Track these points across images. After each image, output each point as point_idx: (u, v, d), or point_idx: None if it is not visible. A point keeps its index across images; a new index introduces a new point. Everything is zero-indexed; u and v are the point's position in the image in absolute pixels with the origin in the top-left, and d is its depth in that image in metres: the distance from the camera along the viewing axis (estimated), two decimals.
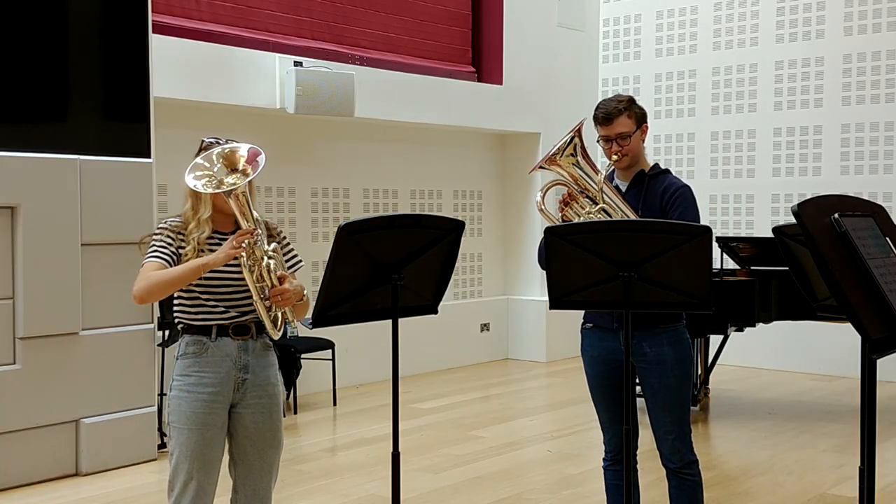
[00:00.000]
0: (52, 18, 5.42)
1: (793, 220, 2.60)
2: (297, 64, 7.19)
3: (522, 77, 9.26)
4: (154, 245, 3.12)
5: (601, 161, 3.61)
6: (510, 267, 9.73)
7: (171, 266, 3.06)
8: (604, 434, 3.67)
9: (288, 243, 3.29)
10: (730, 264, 7.35)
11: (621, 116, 3.51)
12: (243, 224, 3.05)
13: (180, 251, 3.10)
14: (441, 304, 3.29)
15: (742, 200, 9.13)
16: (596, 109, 3.57)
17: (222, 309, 3.12)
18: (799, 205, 2.59)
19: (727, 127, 9.23)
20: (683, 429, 3.50)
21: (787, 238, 2.87)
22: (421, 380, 8.37)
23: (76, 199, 5.44)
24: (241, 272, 3.08)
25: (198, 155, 3.15)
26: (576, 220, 3.42)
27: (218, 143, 3.16)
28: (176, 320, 3.19)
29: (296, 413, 7.08)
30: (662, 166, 3.68)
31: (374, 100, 7.82)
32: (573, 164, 3.48)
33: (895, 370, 7.16)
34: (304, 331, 7.40)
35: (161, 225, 3.18)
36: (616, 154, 3.51)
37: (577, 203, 3.46)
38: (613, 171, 3.63)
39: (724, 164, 9.22)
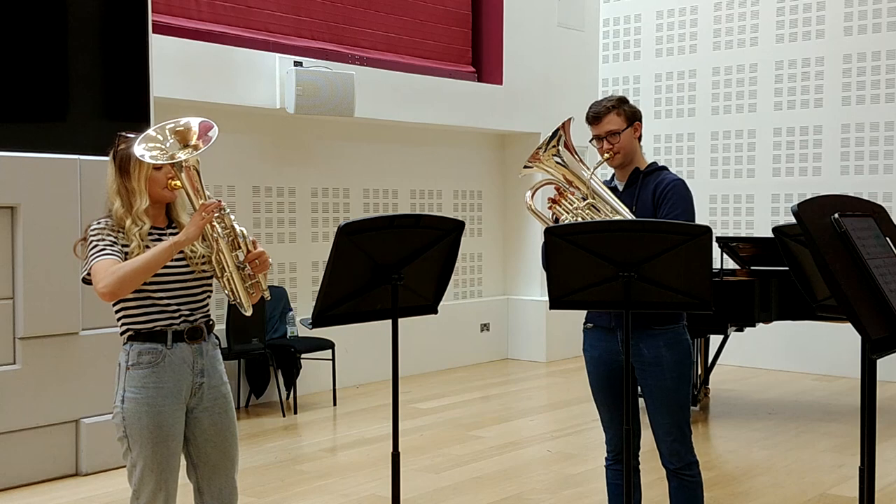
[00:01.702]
0: (52, 18, 5.42)
1: (793, 220, 2.60)
2: (297, 64, 7.19)
3: (522, 77, 9.26)
4: (98, 245, 2.95)
5: (596, 161, 3.60)
6: (510, 267, 9.73)
7: (123, 261, 2.91)
8: (605, 433, 3.67)
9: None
10: (730, 264, 7.35)
11: (610, 114, 3.53)
12: (196, 202, 2.96)
13: (125, 249, 2.96)
14: (441, 304, 3.29)
15: (742, 200, 9.13)
16: (588, 110, 3.60)
17: (175, 307, 3.01)
18: (799, 205, 2.59)
19: (727, 127, 9.23)
20: (683, 430, 3.50)
21: (787, 238, 2.87)
22: (421, 380, 8.37)
23: (76, 199, 5.44)
24: (187, 263, 3.01)
25: (115, 151, 3.03)
26: (564, 217, 3.42)
27: (128, 137, 3.04)
28: (122, 326, 3.05)
29: (296, 413, 7.08)
30: (661, 164, 3.67)
31: (374, 100, 7.82)
32: (556, 156, 3.48)
33: (895, 370, 7.17)
34: (304, 331, 7.41)
35: (95, 226, 3.01)
36: (607, 152, 3.52)
37: (566, 199, 3.46)
38: (614, 173, 3.64)
39: (724, 164, 9.22)
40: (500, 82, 9.13)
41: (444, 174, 9.10)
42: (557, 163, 3.48)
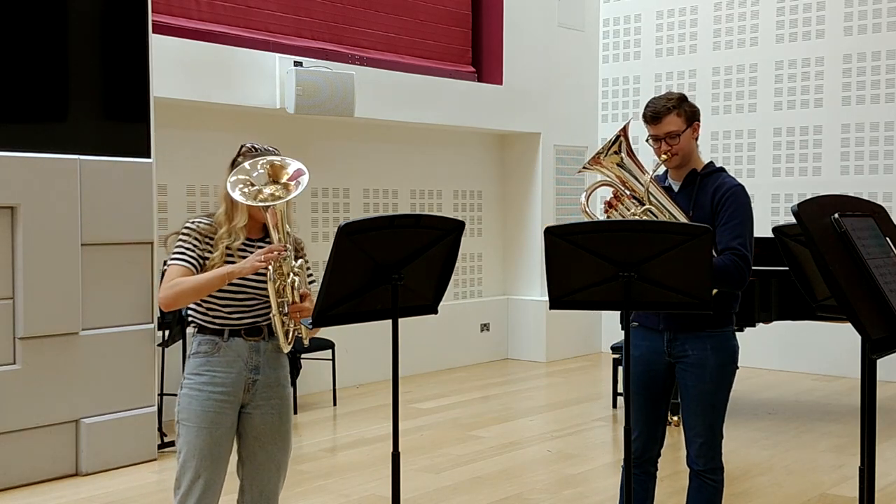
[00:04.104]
0: (53, 18, 5.42)
1: (793, 220, 2.61)
2: (297, 64, 7.19)
3: (522, 77, 9.26)
4: (181, 247, 3.11)
5: (652, 161, 3.53)
6: (510, 267, 9.73)
7: (196, 271, 3.07)
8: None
9: (307, 261, 3.29)
10: None
11: (670, 115, 3.42)
12: (274, 237, 3.07)
13: (206, 255, 3.10)
14: (441, 304, 3.29)
15: None
16: (645, 108, 3.49)
17: (239, 315, 3.14)
18: (799, 205, 2.59)
19: (727, 127, 9.23)
20: (714, 434, 3.46)
21: (787, 238, 2.87)
22: (421, 380, 8.37)
23: (76, 199, 5.44)
24: (264, 284, 3.10)
25: (235, 159, 3.17)
26: None
27: (255, 149, 3.18)
28: (190, 319, 3.21)
29: (296, 413, 7.07)
30: (718, 165, 3.60)
31: (374, 100, 7.82)
32: (618, 164, 3.41)
33: (895, 370, 7.17)
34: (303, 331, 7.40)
35: (189, 225, 3.16)
36: (665, 153, 3.42)
37: (623, 204, 3.40)
38: (667, 171, 3.55)
39: (724, 164, 9.20)
40: (500, 82, 9.13)
41: (444, 174, 9.10)
42: (624, 171, 3.41)
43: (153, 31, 5.87)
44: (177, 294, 3.03)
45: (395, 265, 3.03)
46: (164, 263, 3.17)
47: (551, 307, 3.12)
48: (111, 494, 5.09)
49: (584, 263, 3.01)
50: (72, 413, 5.44)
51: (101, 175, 5.54)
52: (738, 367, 3.54)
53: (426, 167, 8.92)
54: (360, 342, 7.82)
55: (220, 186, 3.20)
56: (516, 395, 7.96)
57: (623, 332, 3.46)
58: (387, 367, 6.84)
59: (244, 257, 3.11)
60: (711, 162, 3.57)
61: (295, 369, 7.24)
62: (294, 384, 7.23)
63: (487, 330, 9.47)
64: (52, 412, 5.35)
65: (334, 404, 7.37)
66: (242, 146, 3.22)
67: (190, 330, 3.27)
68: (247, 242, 3.16)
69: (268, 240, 3.18)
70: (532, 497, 5.06)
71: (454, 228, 3.15)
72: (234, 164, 3.18)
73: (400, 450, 3.14)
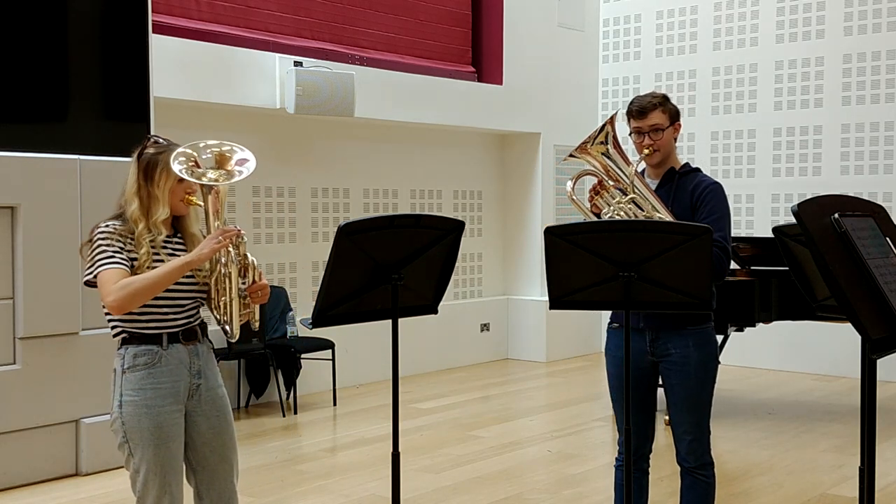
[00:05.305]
0: (52, 18, 5.42)
1: (793, 220, 2.61)
2: (297, 64, 7.19)
3: (522, 77, 9.26)
4: (106, 251, 2.93)
5: (633, 158, 3.58)
6: (510, 267, 9.73)
7: (130, 273, 2.91)
8: (620, 434, 3.66)
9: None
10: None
11: (655, 110, 3.51)
12: (212, 223, 2.97)
13: (133, 256, 2.94)
14: (441, 304, 3.29)
15: (742, 200, 9.13)
16: (630, 104, 3.57)
17: (174, 316, 3.01)
18: (799, 205, 2.59)
19: (727, 127, 9.23)
20: (702, 430, 3.49)
21: (787, 238, 2.87)
22: (421, 380, 8.37)
23: (76, 199, 5.44)
24: (195, 280, 3.02)
25: (141, 151, 3.03)
26: (605, 211, 3.42)
27: (159, 143, 3.05)
28: (115, 329, 3.04)
29: (296, 413, 7.08)
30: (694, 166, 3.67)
31: (374, 100, 7.82)
32: (604, 153, 3.46)
33: (895, 370, 7.17)
34: (304, 331, 7.41)
35: (104, 229, 2.98)
36: (648, 148, 3.49)
37: (608, 193, 3.44)
38: (643, 171, 3.60)
39: (724, 164, 9.22)
40: (500, 82, 9.13)
41: (444, 174, 9.10)
42: (609, 161, 3.46)
43: (153, 31, 5.87)
44: (132, 294, 2.85)
45: (395, 265, 3.03)
46: (91, 276, 2.96)
47: (551, 307, 3.12)
48: (111, 494, 5.09)
49: (584, 263, 3.02)
50: (72, 413, 5.44)
51: (101, 175, 5.54)
52: (719, 363, 3.56)
53: (426, 167, 8.92)
54: (360, 342, 7.82)
55: (128, 183, 3.02)
56: (516, 395, 7.96)
57: (623, 332, 3.47)
58: (387, 367, 6.85)
59: (170, 254, 2.99)
60: (688, 162, 3.65)
61: (295, 369, 7.25)
62: (294, 384, 7.24)
63: (487, 330, 9.47)
64: (52, 412, 5.35)
65: (334, 404, 7.37)
66: (149, 138, 3.09)
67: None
68: (165, 239, 3.03)
69: (179, 236, 3.08)
70: (532, 497, 5.06)
71: (454, 228, 3.15)
72: (140, 155, 3.02)
73: (400, 450, 3.14)
